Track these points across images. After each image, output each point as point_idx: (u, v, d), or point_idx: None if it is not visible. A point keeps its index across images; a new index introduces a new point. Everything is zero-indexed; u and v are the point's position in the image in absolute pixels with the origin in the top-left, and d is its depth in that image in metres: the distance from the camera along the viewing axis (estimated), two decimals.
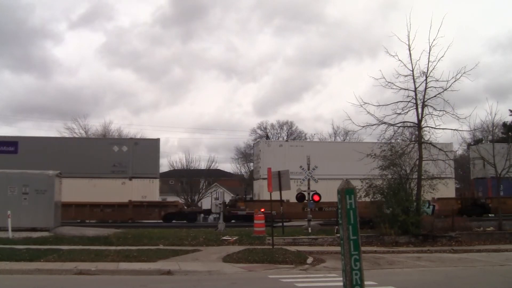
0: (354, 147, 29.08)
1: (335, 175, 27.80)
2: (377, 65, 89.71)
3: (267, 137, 57.18)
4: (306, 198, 21.16)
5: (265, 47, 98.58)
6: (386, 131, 19.79)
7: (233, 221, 28.32)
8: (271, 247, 15.48)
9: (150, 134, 60.26)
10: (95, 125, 74.93)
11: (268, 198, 24.29)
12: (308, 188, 21.10)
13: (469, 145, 46.99)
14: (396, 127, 19.79)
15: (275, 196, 18.56)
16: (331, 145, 33.58)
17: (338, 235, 9.63)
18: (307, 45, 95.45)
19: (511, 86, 73.65)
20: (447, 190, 26.64)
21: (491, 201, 30.61)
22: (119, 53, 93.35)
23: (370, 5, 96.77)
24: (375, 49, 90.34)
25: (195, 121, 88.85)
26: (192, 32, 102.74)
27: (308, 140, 54.90)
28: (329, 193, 26.82)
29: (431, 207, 19.72)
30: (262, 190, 28.96)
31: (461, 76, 18.80)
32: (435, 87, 19.32)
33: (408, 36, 19.18)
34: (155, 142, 31.19)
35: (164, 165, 59.97)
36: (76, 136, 49.01)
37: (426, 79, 19.38)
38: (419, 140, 19.61)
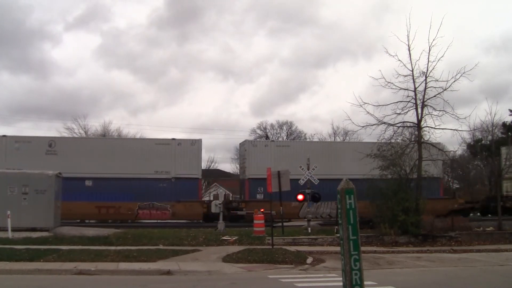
0: None
1: None
2: (373, 66, 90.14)
3: (267, 137, 57.16)
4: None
5: (261, 49, 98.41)
6: (385, 131, 19.84)
7: None
8: (270, 247, 15.48)
9: (149, 134, 59.95)
10: (94, 125, 74.86)
11: None
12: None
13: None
14: (395, 127, 19.84)
15: None
16: None
17: (338, 235, 9.62)
18: (302, 47, 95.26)
19: (505, 87, 73.62)
20: None
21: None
22: (116, 55, 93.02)
23: (363, 8, 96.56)
24: (370, 50, 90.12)
25: (193, 121, 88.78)
26: (188, 34, 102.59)
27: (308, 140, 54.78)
28: None
29: None
30: None
31: (460, 76, 18.88)
32: (435, 87, 19.37)
33: (408, 36, 19.27)
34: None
35: None
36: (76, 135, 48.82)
37: (425, 79, 19.44)
38: (419, 140, 19.62)
